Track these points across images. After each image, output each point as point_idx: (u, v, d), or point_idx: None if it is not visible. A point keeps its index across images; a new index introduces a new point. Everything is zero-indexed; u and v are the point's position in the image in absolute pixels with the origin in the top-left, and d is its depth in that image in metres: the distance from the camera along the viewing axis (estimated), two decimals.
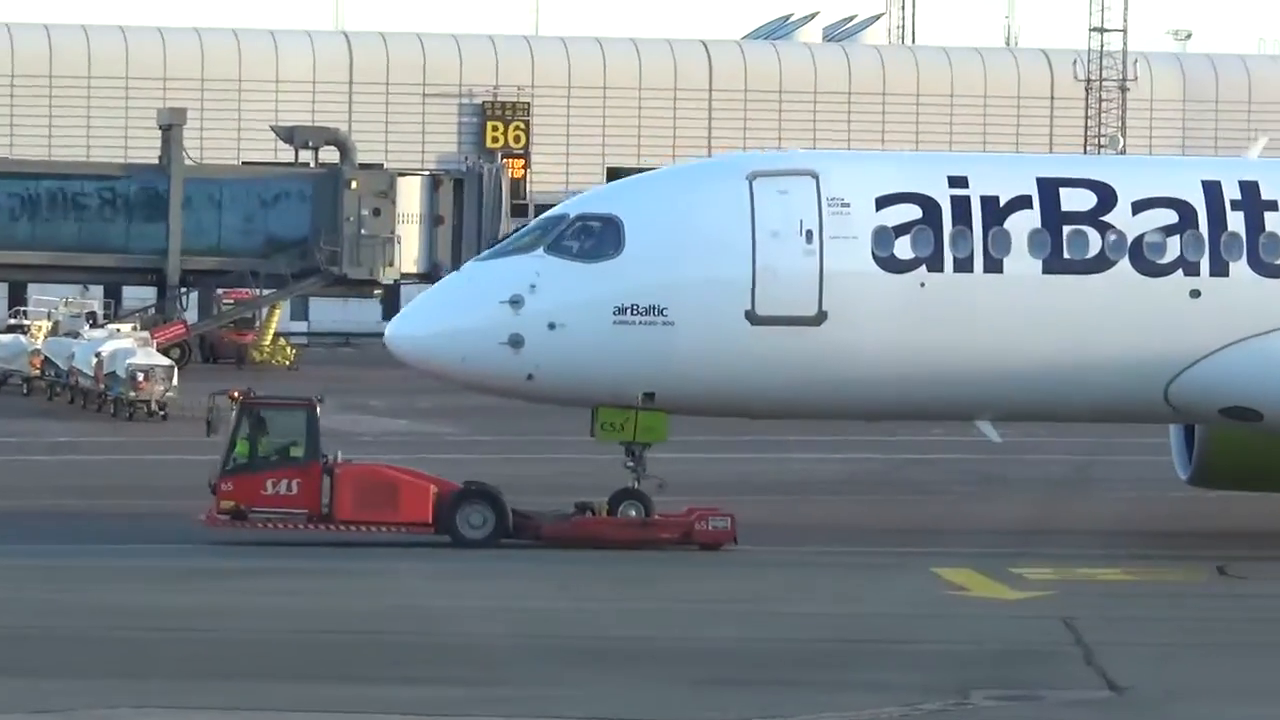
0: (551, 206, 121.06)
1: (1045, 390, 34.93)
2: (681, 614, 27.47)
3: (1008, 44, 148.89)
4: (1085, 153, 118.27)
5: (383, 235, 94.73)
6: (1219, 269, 34.26)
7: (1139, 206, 34.55)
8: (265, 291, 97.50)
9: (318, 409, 34.36)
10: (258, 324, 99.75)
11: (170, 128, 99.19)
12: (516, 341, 33.12)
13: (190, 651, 22.89)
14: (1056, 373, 34.57)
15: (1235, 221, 34.52)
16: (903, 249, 33.87)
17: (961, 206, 34.26)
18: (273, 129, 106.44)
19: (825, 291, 33.29)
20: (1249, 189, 34.76)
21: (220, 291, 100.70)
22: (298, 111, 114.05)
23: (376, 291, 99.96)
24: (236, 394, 34.55)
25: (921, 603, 28.70)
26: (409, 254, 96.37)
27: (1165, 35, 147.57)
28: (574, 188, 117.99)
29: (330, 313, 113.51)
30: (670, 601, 29.13)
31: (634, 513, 33.51)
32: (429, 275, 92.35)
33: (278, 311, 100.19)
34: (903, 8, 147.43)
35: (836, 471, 46.54)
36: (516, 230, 38.40)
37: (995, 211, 34.29)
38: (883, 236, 33.77)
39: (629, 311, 33.25)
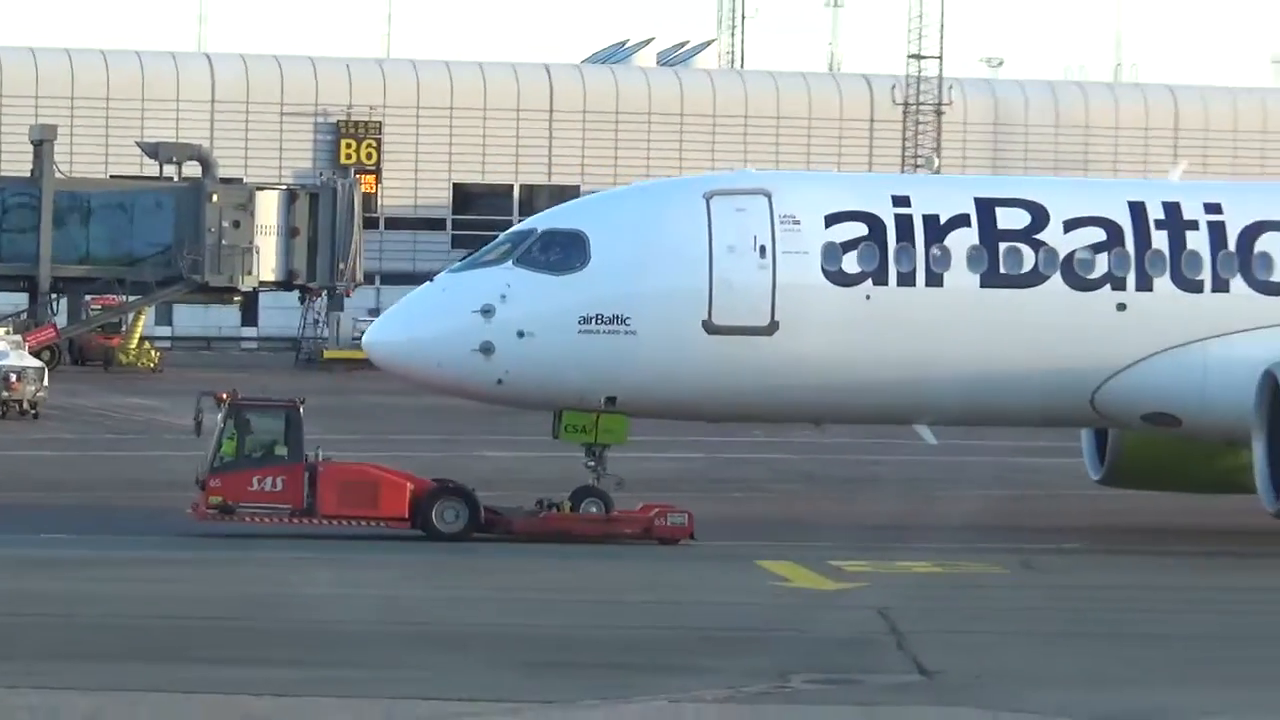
0: (401, 219, 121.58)
1: (980, 397, 35.66)
2: (519, 602, 27.92)
3: (831, 70, 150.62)
4: (902, 172, 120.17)
5: (242, 245, 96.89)
6: (1144, 284, 34.90)
7: (1070, 225, 35.20)
8: (131, 298, 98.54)
9: (300, 410, 34.54)
10: (124, 328, 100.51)
11: (41, 143, 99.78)
12: (487, 349, 33.59)
13: (51, 635, 23.23)
14: (991, 381, 35.20)
15: (1159, 240, 35.32)
16: (850, 264, 34.46)
17: (905, 224, 34.84)
18: (139, 145, 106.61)
19: (777, 303, 33.92)
20: (1171, 209, 35.56)
21: (89, 298, 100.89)
22: (162, 129, 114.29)
23: (236, 298, 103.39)
24: (225, 395, 34.38)
25: (746, 593, 29.24)
26: (267, 263, 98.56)
27: (979, 62, 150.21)
28: (422, 202, 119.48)
29: (192, 318, 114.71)
30: (510, 591, 29.86)
31: (595, 509, 33.94)
32: (285, 283, 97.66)
33: (143, 317, 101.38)
34: (733, 35, 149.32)
35: (666, 470, 45.51)
36: (486, 245, 38.29)
37: (936, 229, 34.91)
38: (831, 252, 34.37)
39: (594, 321, 33.71)
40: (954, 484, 46.22)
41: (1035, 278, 34.96)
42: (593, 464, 34.34)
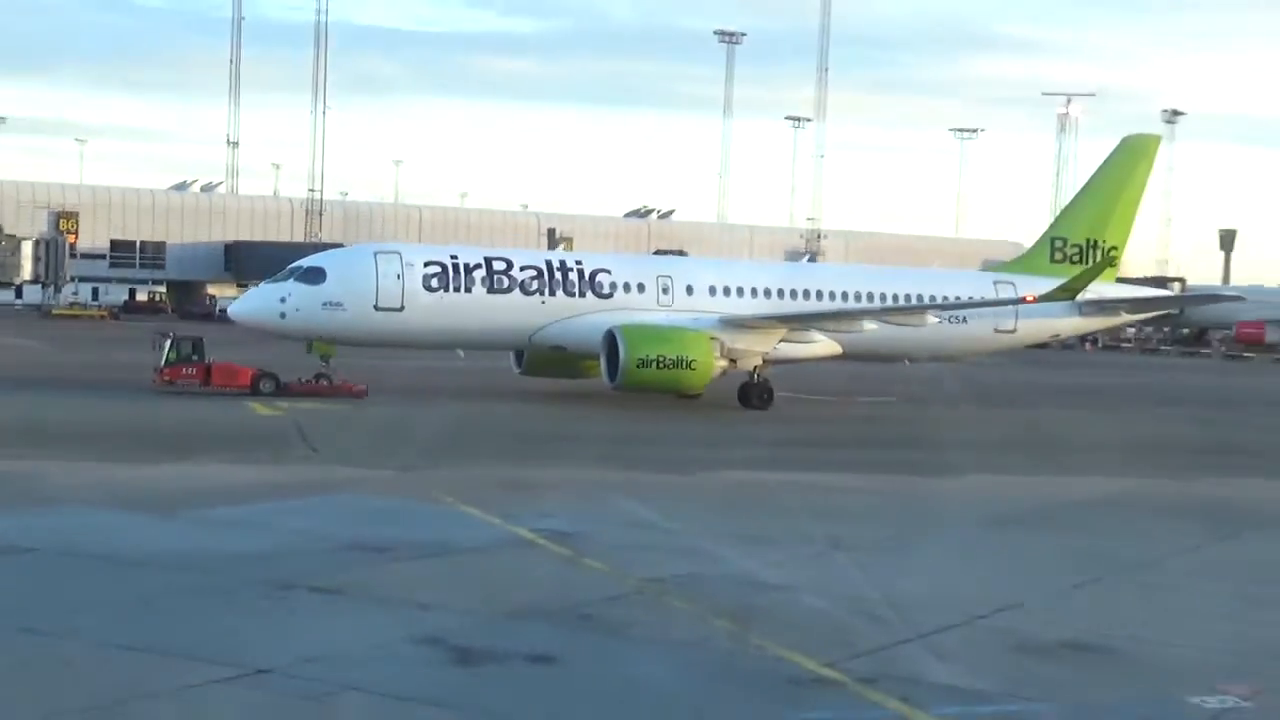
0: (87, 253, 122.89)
1: (487, 337, 56.35)
2: None
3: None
4: None
5: (15, 263, 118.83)
6: (556, 293, 55.68)
7: (524, 268, 56.24)
8: None
9: (204, 339, 54.72)
10: None
11: None
12: (281, 314, 53.01)
13: None
14: (492, 330, 55.48)
15: (569, 275, 56.49)
16: (433, 283, 54.42)
17: (457, 268, 55.08)
18: None
19: (405, 298, 53.78)
20: (581, 263, 57.69)
21: None
22: None
23: (13, 285, 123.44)
24: (171, 334, 55.13)
25: (240, 415, 48.51)
26: (27, 271, 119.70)
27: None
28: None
29: None
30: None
31: (324, 381, 53.69)
32: (35, 280, 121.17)
33: None
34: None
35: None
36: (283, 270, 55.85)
37: (468, 269, 55.23)
38: (426, 277, 54.42)
39: (327, 305, 52.99)
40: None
41: (510, 289, 55.41)
42: (324, 365, 54.25)
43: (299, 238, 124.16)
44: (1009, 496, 34.82)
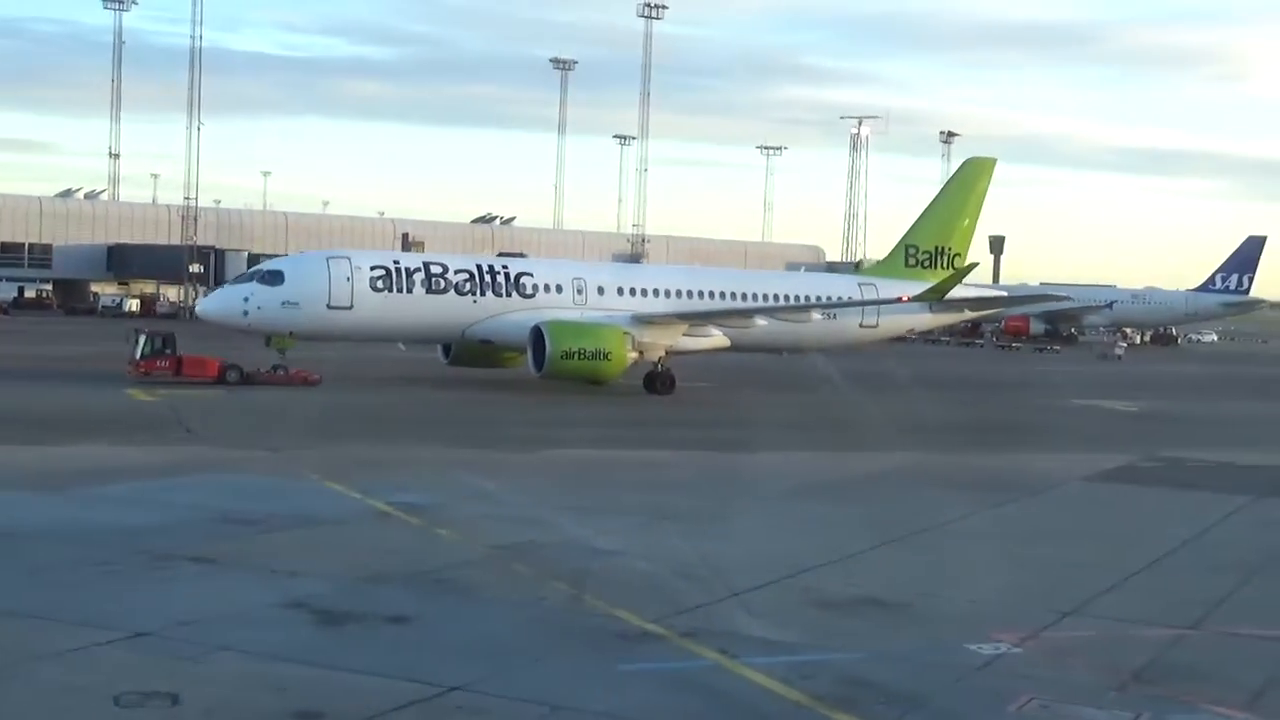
0: None
1: (424, 333, 57.20)
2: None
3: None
4: None
5: None
6: (486, 294, 56.23)
7: (458, 271, 56.73)
8: None
9: (175, 335, 54.45)
10: None
11: None
12: (245, 312, 53.08)
13: None
14: (430, 326, 56.15)
15: (496, 278, 56.93)
16: (379, 284, 54.70)
17: (399, 271, 55.54)
18: None
19: (354, 297, 53.95)
20: (507, 267, 58.82)
21: None
22: None
23: None
24: (146, 330, 54.72)
25: (126, 402, 47.11)
26: None
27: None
28: None
29: None
30: None
31: (281, 372, 53.26)
32: None
33: None
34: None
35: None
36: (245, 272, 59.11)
37: (409, 272, 55.63)
38: (373, 279, 54.68)
39: (286, 304, 53.01)
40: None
41: (446, 290, 55.86)
42: (280, 356, 53.87)
43: (176, 241, 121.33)
44: (811, 471, 35.20)
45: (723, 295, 61.92)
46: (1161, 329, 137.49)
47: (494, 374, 59.12)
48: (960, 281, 65.73)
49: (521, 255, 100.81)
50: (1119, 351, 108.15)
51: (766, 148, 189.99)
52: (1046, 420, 53.03)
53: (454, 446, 36.43)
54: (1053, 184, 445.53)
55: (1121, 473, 36.86)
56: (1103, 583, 21.73)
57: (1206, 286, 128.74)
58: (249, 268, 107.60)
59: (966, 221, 68.77)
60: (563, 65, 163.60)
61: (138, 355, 52.18)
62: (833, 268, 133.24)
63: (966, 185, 69.41)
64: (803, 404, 55.90)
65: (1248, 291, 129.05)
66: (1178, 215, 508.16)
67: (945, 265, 67.30)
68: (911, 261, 67.62)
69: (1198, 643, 18.48)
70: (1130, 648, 17.92)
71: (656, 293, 60.43)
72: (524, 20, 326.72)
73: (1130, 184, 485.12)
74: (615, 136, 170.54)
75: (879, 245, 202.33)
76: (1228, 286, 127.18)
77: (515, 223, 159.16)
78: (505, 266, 58.83)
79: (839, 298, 64.33)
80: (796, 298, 62.97)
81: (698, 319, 59.10)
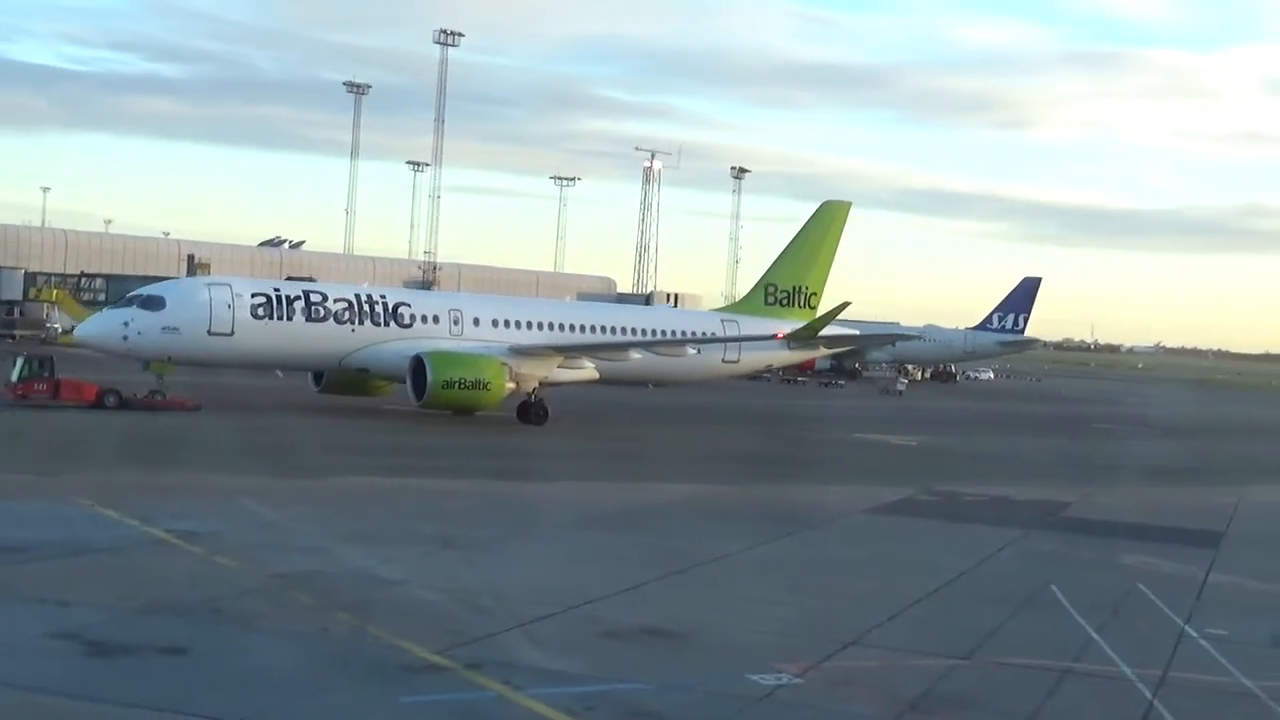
0: None
1: (305, 360, 57.57)
2: None
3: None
4: None
5: None
6: (364, 323, 56.49)
7: (337, 300, 56.88)
8: None
9: (54, 359, 54.34)
10: None
11: None
12: (124, 336, 52.68)
13: None
14: (310, 355, 56.68)
15: (375, 307, 57.11)
16: (260, 312, 54.67)
17: (279, 299, 55.54)
18: None
19: (234, 324, 53.77)
20: (385, 297, 58.59)
21: None
22: None
23: None
24: (26, 354, 55.08)
25: None
26: None
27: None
28: None
29: None
30: None
31: (158, 396, 52.60)
32: None
33: None
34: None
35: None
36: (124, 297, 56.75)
37: (289, 300, 55.74)
38: (254, 306, 54.63)
39: (166, 329, 52.61)
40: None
41: (326, 318, 56.03)
42: (158, 381, 53.30)
43: None
44: (597, 501, 35.30)
45: (595, 329, 62.96)
46: (941, 366, 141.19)
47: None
48: (833, 320, 67.17)
49: (310, 279, 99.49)
50: (900, 387, 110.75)
51: (560, 178, 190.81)
52: (830, 454, 54.05)
53: (246, 473, 35.60)
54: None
55: (901, 505, 37.75)
56: (882, 613, 22.20)
57: (984, 325, 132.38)
58: (25, 286, 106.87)
59: (823, 262, 70.85)
60: (357, 89, 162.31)
61: (14, 378, 51.41)
62: (623, 299, 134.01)
63: (823, 227, 71.28)
64: (597, 435, 56.12)
65: (1023, 331, 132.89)
66: (957, 255, 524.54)
67: (802, 304, 69.78)
68: (771, 300, 69.64)
69: (971, 672, 18.99)
70: (907, 677, 18.33)
71: (531, 325, 61.04)
72: (319, 43, 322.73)
73: (912, 223, 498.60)
74: (409, 163, 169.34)
75: (669, 278, 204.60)
76: (1004, 326, 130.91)
77: (305, 247, 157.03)
78: (383, 296, 58.94)
79: (705, 333, 65.70)
80: (668, 332, 64.42)
81: (574, 351, 59.79)
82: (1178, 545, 33.27)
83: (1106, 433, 78.05)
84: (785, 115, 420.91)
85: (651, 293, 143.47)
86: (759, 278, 71.48)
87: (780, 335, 65.16)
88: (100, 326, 54.67)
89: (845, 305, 66.15)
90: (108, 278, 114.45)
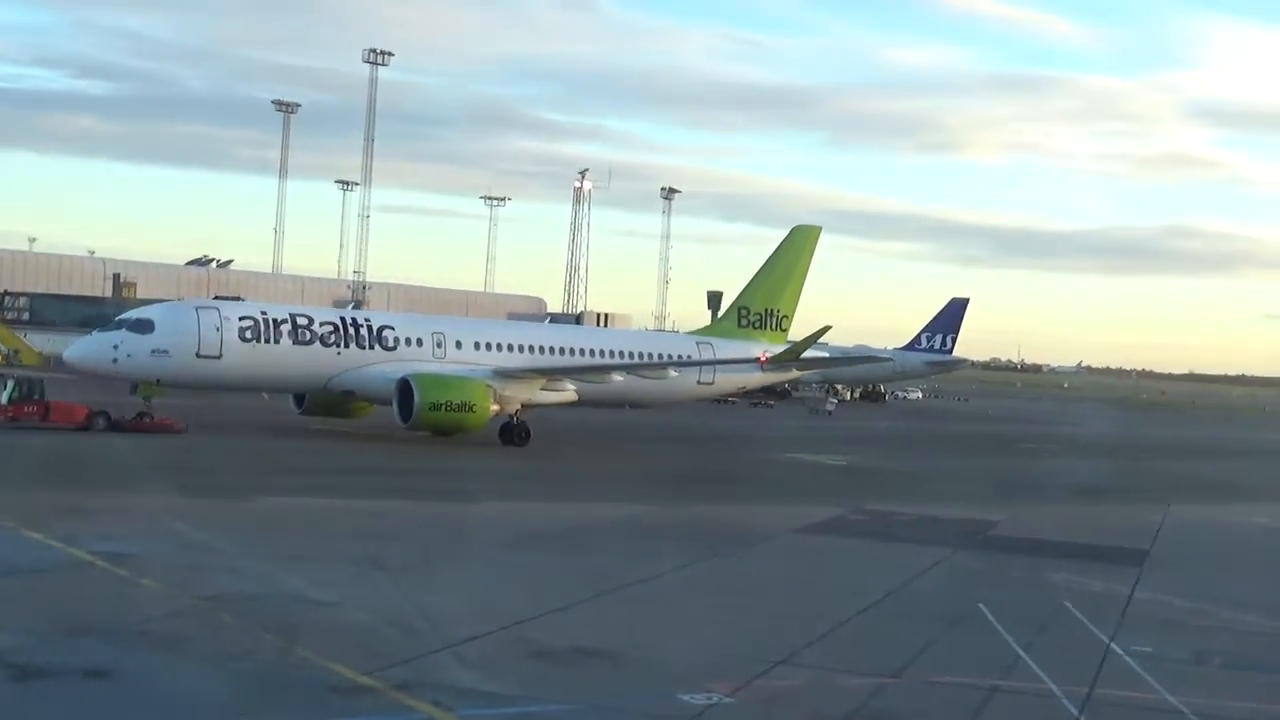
0: None
1: (291, 383, 58.09)
2: None
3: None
4: None
5: None
6: (350, 345, 57.28)
7: (323, 323, 57.40)
8: None
9: (44, 381, 55.26)
10: None
11: None
12: (115, 359, 53.43)
13: None
14: (296, 378, 57.28)
15: (360, 330, 57.77)
16: (247, 335, 55.16)
17: (267, 322, 55.98)
18: None
19: (223, 347, 54.39)
20: (369, 320, 59.44)
21: None
22: None
23: None
24: (14, 375, 56.25)
25: None
26: None
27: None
28: None
29: None
30: None
31: (146, 418, 53.16)
32: None
33: None
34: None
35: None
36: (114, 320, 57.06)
37: (276, 323, 56.09)
38: (241, 329, 55.11)
39: (155, 352, 53.36)
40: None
41: (312, 341, 56.49)
42: (145, 404, 53.97)
43: None
44: (529, 522, 35.19)
45: (576, 351, 63.97)
46: (870, 386, 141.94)
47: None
48: (815, 343, 68.58)
49: (239, 299, 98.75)
50: (829, 407, 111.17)
51: (490, 198, 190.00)
52: (760, 473, 54.20)
53: (178, 494, 35.18)
54: (769, 242, 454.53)
55: (830, 525, 37.88)
56: (812, 632, 22.25)
57: (913, 345, 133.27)
58: None
59: (794, 285, 72.39)
60: (285, 108, 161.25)
61: (4, 400, 51.80)
62: (554, 319, 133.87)
63: (794, 251, 72.65)
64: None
65: (951, 351, 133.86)
66: (886, 276, 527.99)
67: (775, 326, 71.69)
68: (744, 323, 71.22)
69: (900, 690, 19.05)
70: (837, 696, 18.37)
71: (513, 347, 61.88)
72: (247, 61, 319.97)
73: (841, 244, 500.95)
74: (338, 182, 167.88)
75: (599, 298, 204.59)
76: (933, 346, 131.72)
77: (233, 266, 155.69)
78: (368, 319, 59.64)
79: (682, 356, 66.71)
80: (647, 355, 65.69)
81: (556, 374, 60.52)
82: (1104, 563, 33.58)
83: (1033, 452, 78.73)
84: (715, 136, 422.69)
85: (582, 313, 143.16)
86: (731, 301, 72.55)
87: (764, 358, 66.99)
88: (89, 349, 54.95)
89: (826, 329, 67.47)
90: (32, 296, 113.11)
